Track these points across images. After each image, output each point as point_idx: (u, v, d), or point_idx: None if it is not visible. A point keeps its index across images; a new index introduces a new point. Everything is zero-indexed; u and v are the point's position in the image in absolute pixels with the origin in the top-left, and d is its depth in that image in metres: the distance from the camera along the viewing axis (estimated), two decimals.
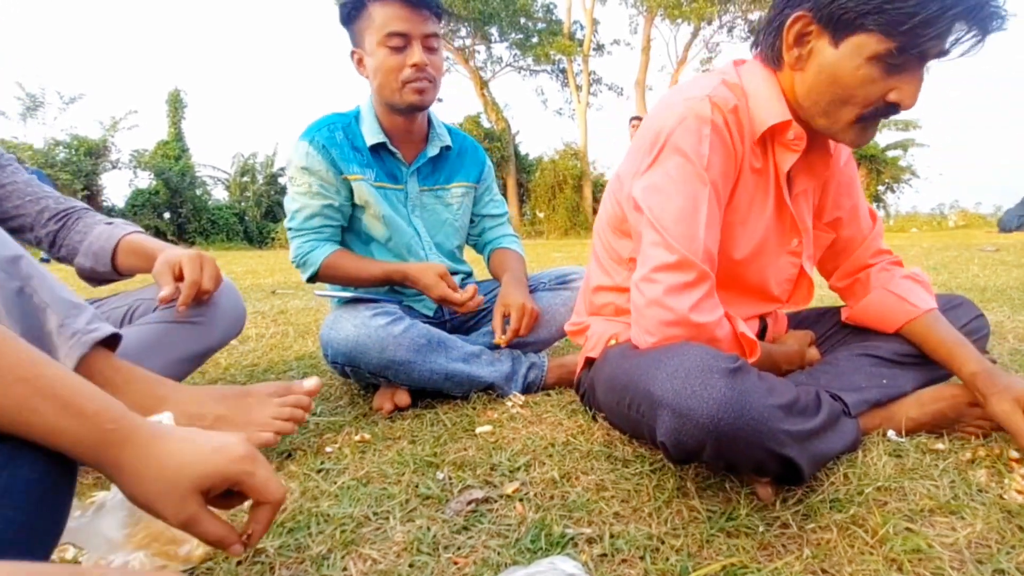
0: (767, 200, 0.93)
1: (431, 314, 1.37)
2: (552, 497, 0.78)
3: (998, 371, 0.87)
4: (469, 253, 1.57)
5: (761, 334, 1.05)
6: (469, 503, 0.75)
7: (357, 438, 1.00)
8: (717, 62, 19.23)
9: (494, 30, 17.40)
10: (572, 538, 0.68)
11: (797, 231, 0.97)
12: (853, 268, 1.09)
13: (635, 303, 0.85)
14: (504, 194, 16.18)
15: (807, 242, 1.00)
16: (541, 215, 17.75)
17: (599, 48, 18.89)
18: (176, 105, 15.69)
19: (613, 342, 0.98)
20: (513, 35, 17.77)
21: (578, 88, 18.97)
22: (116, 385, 0.77)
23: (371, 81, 1.24)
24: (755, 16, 16.91)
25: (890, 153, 17.76)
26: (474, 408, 1.16)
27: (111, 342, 0.79)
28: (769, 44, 0.87)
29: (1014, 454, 0.85)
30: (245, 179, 17.45)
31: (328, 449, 0.96)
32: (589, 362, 1.04)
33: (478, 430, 1.03)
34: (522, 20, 17.35)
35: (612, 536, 0.68)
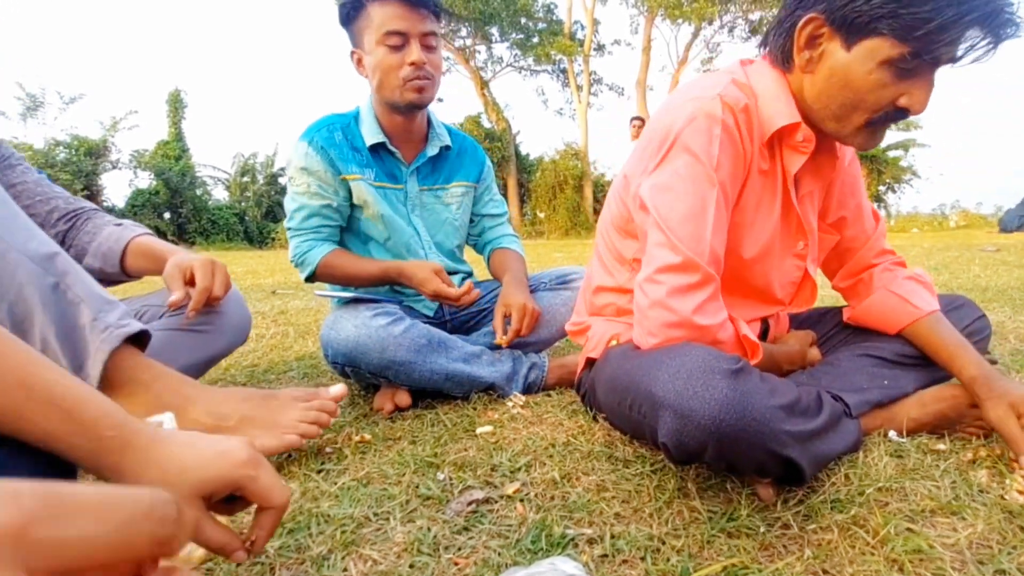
0: (774, 202, 0.92)
1: (432, 314, 1.37)
2: (553, 498, 0.78)
3: (996, 375, 0.87)
4: (469, 253, 1.57)
5: (763, 335, 1.05)
6: (470, 504, 0.75)
7: (357, 438, 1.00)
8: (718, 62, 19.23)
9: (495, 30, 17.40)
10: (573, 539, 0.67)
11: (803, 233, 0.97)
12: (856, 268, 1.09)
13: (638, 304, 0.85)
14: (505, 194, 16.20)
15: (812, 244, 0.99)
16: (542, 215, 17.73)
17: (600, 48, 18.89)
18: (176, 105, 15.69)
19: (614, 343, 0.98)
20: (514, 35, 17.77)
21: (579, 88, 18.97)
22: (144, 382, 0.77)
23: (370, 80, 1.24)
24: (756, 16, 16.91)
25: (891, 153, 17.74)
26: (475, 408, 1.16)
27: (141, 340, 0.79)
28: (779, 45, 0.86)
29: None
30: (245, 179, 17.46)
31: (328, 450, 0.96)
32: (590, 362, 1.04)
33: (479, 430, 1.03)
34: (523, 20, 17.35)
35: (613, 537, 0.68)
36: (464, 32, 17.36)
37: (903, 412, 0.93)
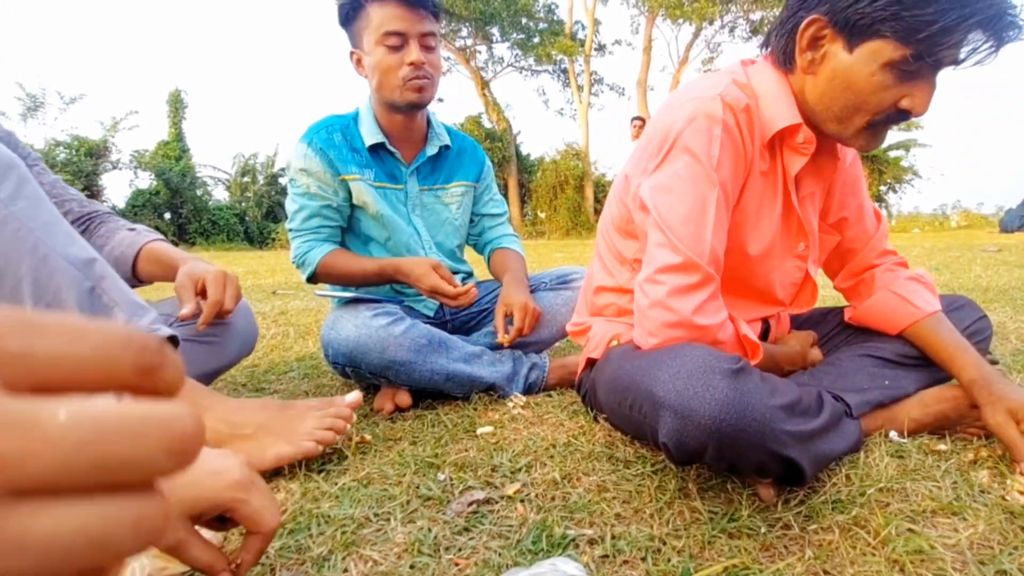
0: (775, 203, 0.92)
1: (432, 315, 1.37)
2: (553, 498, 0.78)
3: (995, 378, 0.87)
4: (470, 254, 1.57)
5: (764, 335, 1.04)
6: (470, 504, 0.75)
7: (358, 439, 0.99)
8: (719, 62, 19.23)
9: (495, 30, 17.40)
10: (573, 539, 0.67)
11: (804, 234, 0.97)
12: (858, 268, 1.08)
13: (639, 304, 0.84)
14: (506, 194, 16.19)
15: (813, 246, 0.99)
16: (542, 215, 17.73)
17: (600, 48, 18.89)
18: (177, 105, 15.72)
19: (615, 343, 0.98)
20: (514, 35, 17.77)
21: (579, 88, 18.97)
22: None
23: (370, 81, 1.24)
24: (757, 16, 16.91)
25: (892, 153, 17.73)
26: (475, 409, 1.16)
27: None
28: (781, 46, 0.86)
29: None
30: (246, 179, 17.48)
31: (328, 450, 0.96)
32: (590, 363, 1.04)
33: (479, 431, 1.03)
34: (523, 20, 17.35)
35: (613, 537, 0.67)
36: (465, 32, 17.36)
37: (904, 412, 0.93)
